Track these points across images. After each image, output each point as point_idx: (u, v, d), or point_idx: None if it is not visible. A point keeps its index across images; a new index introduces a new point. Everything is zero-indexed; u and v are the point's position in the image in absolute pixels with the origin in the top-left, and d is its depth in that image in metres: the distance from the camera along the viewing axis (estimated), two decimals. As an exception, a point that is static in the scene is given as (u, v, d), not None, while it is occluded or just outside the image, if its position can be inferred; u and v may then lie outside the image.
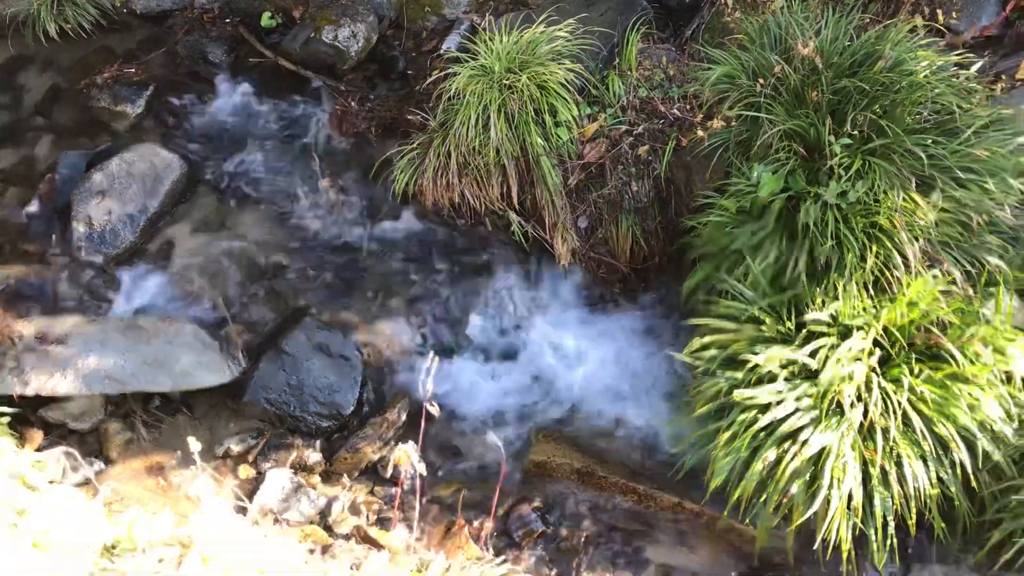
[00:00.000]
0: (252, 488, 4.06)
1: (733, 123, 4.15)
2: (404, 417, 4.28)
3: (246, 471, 4.13)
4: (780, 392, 3.56)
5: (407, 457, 2.81)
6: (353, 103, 5.25)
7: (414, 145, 4.73)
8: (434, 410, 2.97)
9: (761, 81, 4.01)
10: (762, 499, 3.56)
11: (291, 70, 5.44)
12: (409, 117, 4.95)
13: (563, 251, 4.62)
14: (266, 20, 5.66)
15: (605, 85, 4.69)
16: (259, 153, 5.14)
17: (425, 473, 3.14)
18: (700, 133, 4.13)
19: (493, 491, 3.86)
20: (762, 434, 3.59)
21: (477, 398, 4.43)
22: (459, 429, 4.33)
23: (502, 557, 3.69)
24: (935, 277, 3.65)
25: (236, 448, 4.17)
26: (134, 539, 2.93)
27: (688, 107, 4.51)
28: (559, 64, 4.51)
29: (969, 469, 3.41)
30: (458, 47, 5.00)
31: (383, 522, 3.98)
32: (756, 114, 3.97)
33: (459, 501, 3.94)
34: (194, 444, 2.99)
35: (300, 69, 5.43)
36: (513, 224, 4.68)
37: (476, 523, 3.95)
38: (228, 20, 5.73)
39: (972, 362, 3.52)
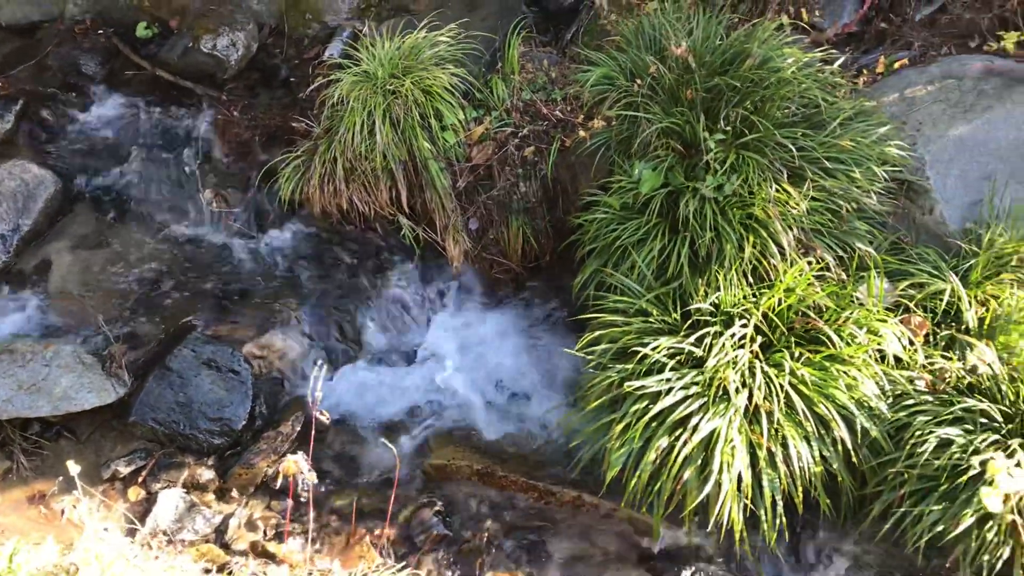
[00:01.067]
0: (144, 510, 3.93)
1: (613, 123, 4.24)
2: (299, 428, 4.21)
3: (136, 493, 3.99)
4: (669, 380, 3.65)
5: (295, 467, 2.76)
6: (235, 112, 5.15)
7: (299, 152, 4.68)
8: (324, 419, 2.94)
9: (638, 81, 4.11)
10: (657, 487, 3.64)
11: (170, 81, 5.31)
12: (294, 125, 4.89)
13: (455, 253, 4.63)
14: (142, 31, 5.51)
15: (489, 88, 4.73)
16: (139, 166, 5.00)
17: (316, 482, 3.09)
18: (582, 133, 4.22)
19: (401, 498, 3.84)
20: (654, 423, 3.67)
21: (375, 404, 4.40)
22: (357, 437, 4.29)
23: (403, 563, 3.67)
24: (809, 264, 3.81)
25: (124, 470, 4.03)
26: (15, 571, 2.81)
27: (570, 108, 4.59)
28: (443, 69, 4.54)
29: (849, 446, 3.55)
30: (341, 54, 4.97)
31: (282, 536, 3.91)
32: (635, 113, 4.07)
33: (357, 509, 3.90)
34: (73, 467, 2.88)
35: (179, 79, 5.31)
36: (404, 228, 4.67)
37: (377, 531, 3.92)
38: (101, 32, 5.55)
39: (848, 343, 3.68)
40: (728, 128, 3.92)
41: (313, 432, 3.45)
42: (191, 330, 4.35)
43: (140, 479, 4.03)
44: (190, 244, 4.78)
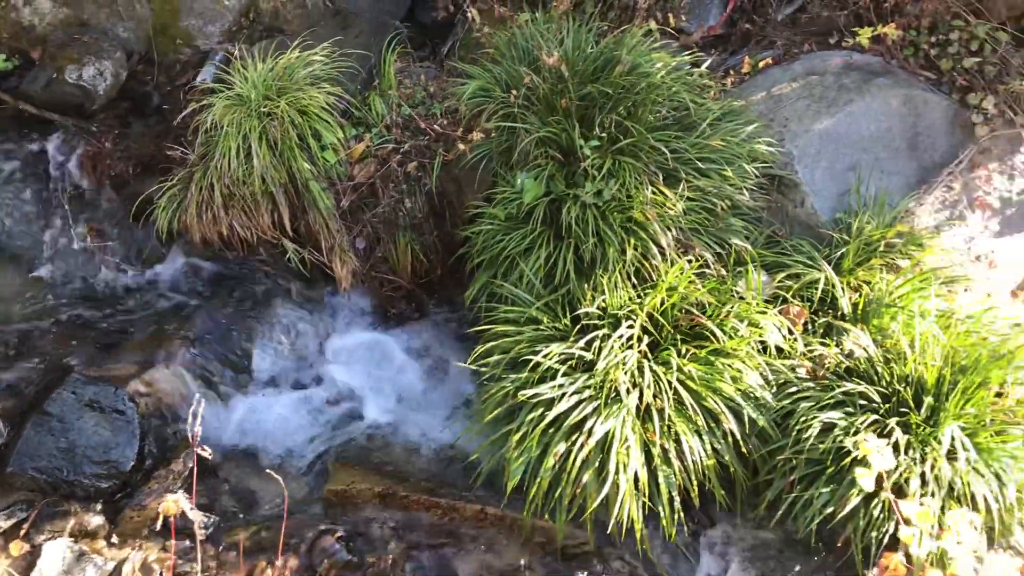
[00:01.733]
0: (28, 564, 3.74)
1: (493, 134, 4.27)
2: (191, 465, 4.08)
3: (19, 547, 3.79)
4: (562, 386, 3.68)
5: (175, 507, 2.68)
6: (107, 143, 4.98)
7: (175, 181, 4.56)
8: (206, 455, 2.85)
9: (514, 92, 4.15)
10: (558, 493, 3.66)
11: (34, 114, 5.10)
12: (168, 153, 4.75)
13: (343, 274, 4.58)
14: (1, 63, 5.28)
15: (368, 106, 4.70)
16: (3, 205, 4.78)
17: (206, 519, 3.00)
18: (462, 147, 4.23)
19: (293, 529, 3.75)
20: (551, 430, 3.69)
21: (271, 433, 4.31)
22: (254, 468, 4.19)
23: (307, 593, 3.60)
24: (689, 262, 3.90)
25: (4, 524, 3.84)
26: None
27: (449, 122, 4.60)
28: (318, 88, 4.49)
29: (739, 436, 3.64)
30: (213, 78, 4.86)
31: (179, 577, 3.78)
32: (512, 124, 4.11)
33: (256, 542, 3.80)
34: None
35: (44, 112, 5.10)
36: (289, 252, 4.59)
37: (278, 562, 3.83)
38: (-44, 66, 5.30)
39: (731, 337, 3.78)
40: (603, 134, 3.99)
41: (195, 469, 3.34)
42: (70, 371, 4.17)
43: (22, 532, 3.84)
44: (65, 283, 4.60)
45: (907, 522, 2.41)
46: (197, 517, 2.86)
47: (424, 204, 4.62)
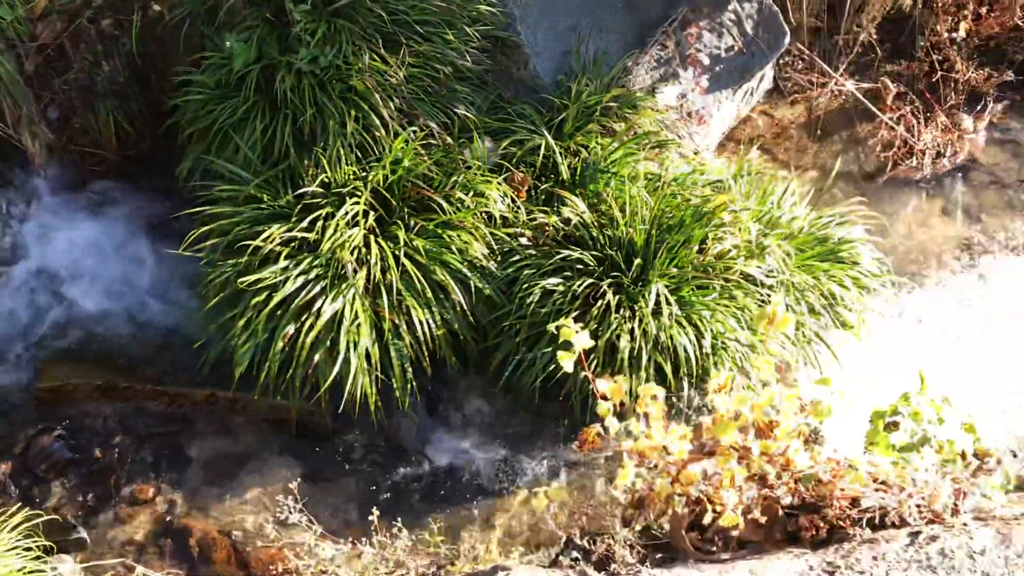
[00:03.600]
0: None
1: (195, -10, 3.87)
2: None
3: None
4: (286, 270, 3.57)
5: None
6: None
7: None
8: None
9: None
10: (289, 374, 3.62)
11: None
12: None
13: (35, 148, 4.10)
14: None
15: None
16: None
17: None
18: (156, 7, 3.80)
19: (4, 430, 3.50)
20: (279, 312, 3.61)
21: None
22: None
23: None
24: (414, 132, 3.81)
25: None
26: None
27: (142, -26, 4.10)
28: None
29: (467, 306, 3.74)
30: None
31: None
32: (215, -20, 3.73)
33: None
34: None
35: None
36: (-36, 126, 4.03)
37: (-13, 471, 3.58)
38: None
39: (458, 209, 3.80)
40: (317, -6, 3.72)
41: None
42: None
43: None
44: None
45: (603, 398, 2.60)
46: None
47: (125, 67, 4.17)
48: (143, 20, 4.09)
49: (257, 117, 3.75)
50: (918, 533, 2.33)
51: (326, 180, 3.72)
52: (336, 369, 3.57)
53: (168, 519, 3.61)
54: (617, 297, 3.70)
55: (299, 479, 3.46)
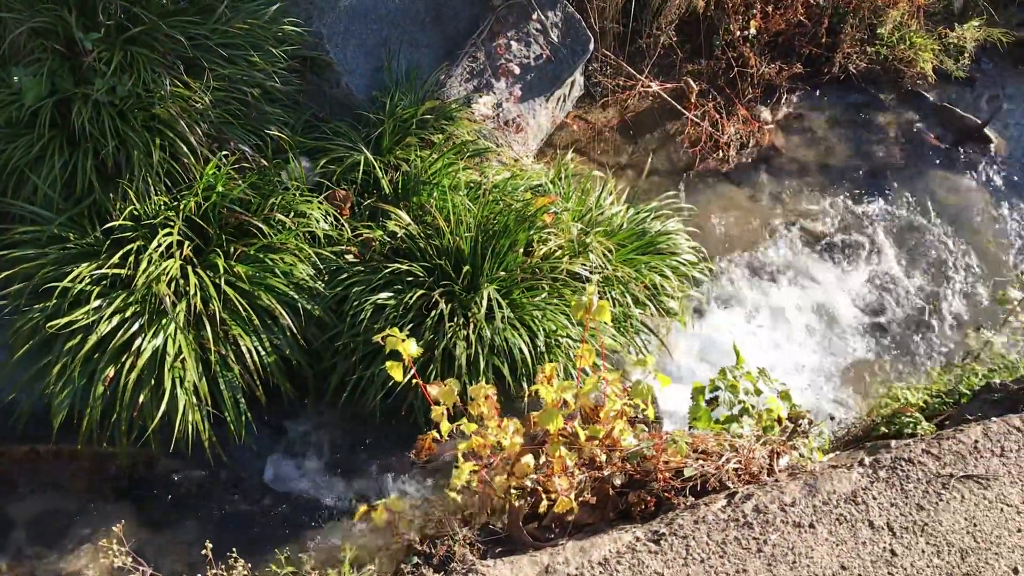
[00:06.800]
0: None
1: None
2: None
3: None
4: (99, 309, 3.42)
5: None
6: None
7: None
8: None
9: (-10, -28, 3.55)
10: (114, 418, 3.45)
11: None
12: None
13: None
14: None
15: None
16: None
17: None
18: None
19: None
20: (96, 355, 3.44)
21: None
22: None
23: None
24: (225, 157, 3.73)
25: None
26: None
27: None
28: None
29: (296, 330, 3.67)
30: None
31: None
32: (-6, 13, 3.53)
33: None
34: None
35: None
36: None
37: None
38: None
39: (279, 231, 3.74)
40: (109, 23, 3.58)
41: None
42: None
43: None
44: None
45: (436, 402, 2.61)
46: None
47: (-99, 110, 3.87)
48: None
49: (55, 153, 3.57)
50: (735, 494, 2.46)
51: (135, 212, 3.58)
52: (163, 407, 3.43)
53: (-9, 588, 3.37)
54: (450, 305, 3.73)
55: (133, 523, 3.31)
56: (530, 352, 3.71)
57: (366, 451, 3.81)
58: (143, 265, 3.46)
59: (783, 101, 5.49)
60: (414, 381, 2.84)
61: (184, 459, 3.65)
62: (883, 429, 3.38)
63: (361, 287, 3.75)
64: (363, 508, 2.72)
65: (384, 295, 3.71)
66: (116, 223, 3.52)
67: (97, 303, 3.41)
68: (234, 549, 2.71)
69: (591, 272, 3.96)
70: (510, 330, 3.73)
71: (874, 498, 2.43)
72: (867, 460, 2.51)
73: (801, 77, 5.55)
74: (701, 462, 2.55)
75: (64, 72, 3.59)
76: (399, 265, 3.77)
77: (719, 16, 5.45)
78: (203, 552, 2.61)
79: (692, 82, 5.30)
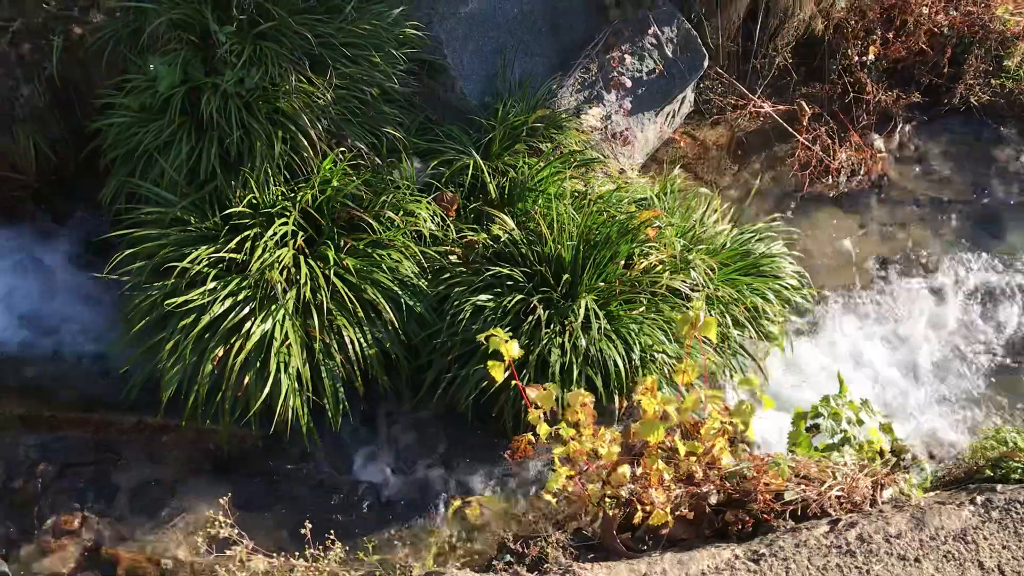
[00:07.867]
0: None
1: (118, 14, 3.84)
2: None
3: None
4: (214, 291, 3.55)
5: None
6: None
7: None
8: None
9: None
10: (219, 397, 3.58)
11: None
12: None
13: (-49, 175, 4.01)
14: None
15: (-39, -25, 4.02)
16: None
17: None
18: (78, 30, 3.77)
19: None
20: (207, 335, 3.57)
21: None
22: None
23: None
24: (342, 153, 3.84)
25: None
26: None
27: (63, -2, 4.06)
28: None
29: (398, 325, 3.74)
30: None
31: None
32: (137, 4, 3.72)
33: None
34: None
35: None
36: None
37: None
38: None
39: (388, 228, 3.82)
40: (242, 17, 3.73)
41: None
42: None
43: None
44: None
45: (534, 405, 2.63)
46: None
47: (45, 92, 4.10)
48: (64, 44, 4.04)
49: (183, 139, 3.73)
50: (838, 521, 2.41)
51: (254, 201, 3.71)
52: (267, 391, 3.54)
53: (95, 549, 3.52)
54: (547, 312, 3.75)
55: (230, 501, 3.41)
56: (624, 365, 3.70)
57: (456, 449, 3.85)
58: (258, 252, 3.58)
59: (898, 130, 5.36)
60: (512, 383, 2.87)
61: (280, 442, 3.76)
62: (988, 472, 3.26)
63: (462, 287, 3.80)
64: (456, 502, 2.75)
65: (484, 297, 3.76)
66: (235, 210, 3.65)
67: (212, 285, 3.55)
68: (332, 532, 2.77)
69: (692, 289, 3.93)
70: (605, 341, 3.73)
71: (985, 538, 2.36)
72: (979, 499, 2.43)
73: (919, 106, 5.41)
74: (803, 487, 2.51)
75: (196, 63, 3.75)
76: (500, 269, 3.81)
77: (837, 40, 5.36)
78: (302, 531, 2.68)
79: (805, 105, 5.21)
